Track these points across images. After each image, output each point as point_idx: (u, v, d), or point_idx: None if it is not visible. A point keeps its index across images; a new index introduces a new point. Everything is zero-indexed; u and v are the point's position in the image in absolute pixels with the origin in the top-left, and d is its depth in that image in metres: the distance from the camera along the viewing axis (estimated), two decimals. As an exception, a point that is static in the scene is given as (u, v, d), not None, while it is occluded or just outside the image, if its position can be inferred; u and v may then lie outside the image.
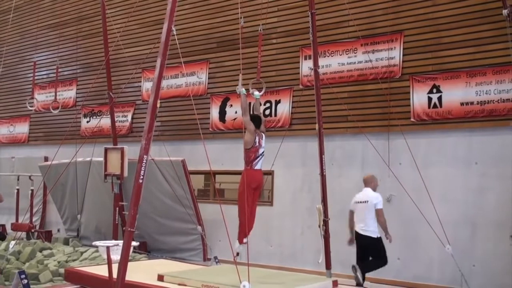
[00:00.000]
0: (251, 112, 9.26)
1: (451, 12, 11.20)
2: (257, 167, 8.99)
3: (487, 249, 10.22)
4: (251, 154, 8.84)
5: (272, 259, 13.11)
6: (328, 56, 12.63)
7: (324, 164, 9.70)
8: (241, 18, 9.29)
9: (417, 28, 11.58)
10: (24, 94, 19.17)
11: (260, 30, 10.35)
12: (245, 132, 8.74)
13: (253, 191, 9.07)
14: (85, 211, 15.78)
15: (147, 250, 14.25)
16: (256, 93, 9.19)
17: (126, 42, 15.56)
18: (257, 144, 8.84)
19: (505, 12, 10.20)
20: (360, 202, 9.88)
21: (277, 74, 13.29)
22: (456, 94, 10.95)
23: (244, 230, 8.84)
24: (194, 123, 12.90)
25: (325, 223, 9.64)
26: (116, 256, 7.16)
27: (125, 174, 13.83)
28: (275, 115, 13.30)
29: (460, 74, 10.95)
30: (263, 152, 8.97)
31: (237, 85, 8.63)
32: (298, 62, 13.14)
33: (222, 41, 14.43)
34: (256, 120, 8.94)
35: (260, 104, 9.93)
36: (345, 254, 11.73)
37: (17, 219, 16.73)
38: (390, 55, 11.80)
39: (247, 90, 8.74)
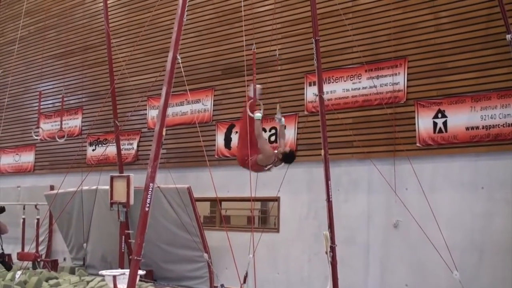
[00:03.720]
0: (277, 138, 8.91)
1: (454, 38, 11.24)
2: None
3: (495, 275, 10.14)
4: (255, 167, 8.67)
5: (279, 286, 13.04)
6: (332, 82, 12.66)
7: (330, 190, 9.68)
8: (253, 43, 9.32)
9: (421, 54, 11.62)
10: (29, 124, 19.25)
11: (277, 55, 10.50)
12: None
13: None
14: (91, 239, 15.74)
15: (154, 278, 14.19)
16: (258, 114, 8.64)
17: (131, 71, 15.65)
18: (267, 168, 8.76)
19: (508, 37, 10.21)
20: None
21: (282, 100, 13.30)
22: (461, 118, 10.94)
23: None
24: (200, 150, 12.92)
25: (332, 249, 9.60)
26: (122, 285, 7.15)
27: (131, 202, 13.84)
28: (281, 141, 13.29)
29: (465, 98, 10.96)
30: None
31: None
32: (303, 89, 13.18)
33: (227, 68, 14.50)
34: (289, 157, 8.70)
35: (285, 127, 9.61)
36: (353, 281, 11.67)
37: (23, 249, 16.69)
38: (394, 81, 11.82)
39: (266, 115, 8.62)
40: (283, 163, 8.84)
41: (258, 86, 8.84)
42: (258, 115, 8.51)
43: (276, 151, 8.74)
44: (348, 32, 11.81)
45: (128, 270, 6.81)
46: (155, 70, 15.48)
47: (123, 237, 14.01)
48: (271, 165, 8.74)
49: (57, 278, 13.43)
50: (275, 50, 10.75)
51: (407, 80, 11.71)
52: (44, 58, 19.24)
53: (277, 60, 10.72)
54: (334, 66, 12.67)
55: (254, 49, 9.04)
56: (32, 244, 15.65)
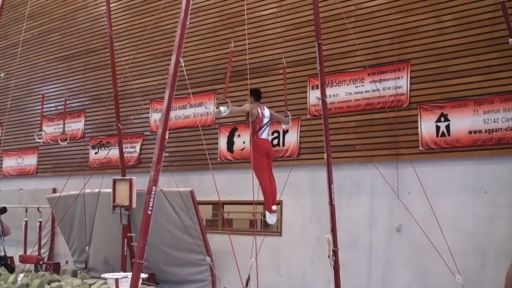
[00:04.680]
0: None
1: (457, 41, 11.24)
2: (263, 136, 9.72)
3: (498, 279, 10.09)
4: (256, 125, 9.55)
5: (281, 290, 13.02)
6: (335, 86, 12.66)
7: (333, 194, 9.67)
8: (232, 43, 9.47)
9: (424, 57, 11.61)
10: (32, 126, 19.26)
11: (283, 63, 10.63)
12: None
13: (265, 157, 9.66)
14: (94, 242, 15.74)
15: (156, 281, 14.18)
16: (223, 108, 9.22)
17: (134, 74, 15.66)
18: (260, 114, 9.62)
19: (511, 41, 10.21)
20: None
21: (284, 103, 13.33)
22: (464, 122, 10.93)
23: (268, 197, 9.55)
24: (202, 153, 12.92)
25: (335, 253, 9.59)
26: (125, 288, 7.14)
27: (134, 205, 13.84)
28: (283, 144, 13.31)
29: (468, 102, 10.95)
30: (267, 122, 9.74)
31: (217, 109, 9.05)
32: (306, 92, 13.18)
33: (230, 71, 14.46)
34: (255, 92, 9.89)
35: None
36: (355, 285, 11.65)
37: (25, 251, 16.68)
38: (397, 84, 11.82)
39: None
40: (266, 111, 9.80)
41: (221, 109, 9.11)
42: (224, 109, 9.03)
43: (246, 105, 9.73)
44: (351, 36, 11.80)
45: (131, 273, 6.81)
46: (158, 74, 15.48)
47: (126, 240, 14.00)
48: (259, 115, 9.61)
49: (59, 281, 13.44)
50: (282, 58, 10.82)
51: (410, 84, 11.70)
52: (47, 61, 19.29)
53: (284, 68, 10.80)
54: (337, 70, 12.67)
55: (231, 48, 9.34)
56: (34, 246, 15.65)
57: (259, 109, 9.67)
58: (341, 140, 12.15)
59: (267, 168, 9.67)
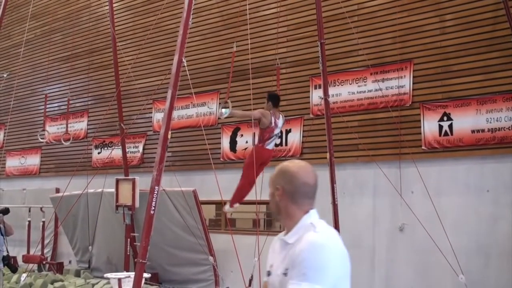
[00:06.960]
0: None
1: (459, 40, 11.23)
2: (269, 146, 9.50)
3: (501, 278, 10.10)
4: (265, 134, 9.34)
5: (284, 289, 12.99)
6: (338, 85, 12.65)
7: (335, 193, 9.67)
8: (234, 42, 9.47)
9: (426, 57, 11.60)
10: (35, 126, 19.28)
11: (278, 64, 10.66)
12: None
13: (259, 165, 9.48)
14: (97, 242, 15.76)
15: (159, 281, 14.19)
16: (225, 110, 9.39)
17: (137, 74, 15.66)
18: (273, 124, 9.32)
19: (514, 39, 10.22)
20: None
21: (287, 103, 13.33)
22: (467, 121, 10.92)
23: (239, 196, 9.61)
24: (205, 153, 12.92)
25: (338, 252, 9.57)
26: (128, 288, 7.15)
27: (137, 205, 13.84)
28: (286, 144, 13.30)
29: (471, 101, 10.94)
30: (278, 133, 9.55)
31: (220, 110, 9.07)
32: (308, 92, 13.17)
33: (232, 71, 14.47)
34: (274, 98, 9.53)
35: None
36: (358, 284, 11.65)
37: (28, 251, 16.72)
38: (400, 84, 11.81)
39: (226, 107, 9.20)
40: (280, 121, 9.52)
41: (222, 110, 9.21)
42: (226, 110, 9.13)
43: (262, 109, 9.47)
44: (354, 35, 11.80)
45: (133, 273, 6.82)
46: (160, 73, 15.49)
47: (129, 240, 14.01)
48: (272, 125, 9.33)
49: (62, 281, 13.46)
50: (276, 59, 10.84)
51: (413, 83, 11.69)
52: (50, 61, 19.29)
53: (279, 69, 10.80)
54: (340, 69, 12.66)
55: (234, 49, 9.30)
56: (37, 246, 15.68)
57: (273, 118, 9.37)
58: (344, 139, 12.15)
59: (255, 174, 9.59)
